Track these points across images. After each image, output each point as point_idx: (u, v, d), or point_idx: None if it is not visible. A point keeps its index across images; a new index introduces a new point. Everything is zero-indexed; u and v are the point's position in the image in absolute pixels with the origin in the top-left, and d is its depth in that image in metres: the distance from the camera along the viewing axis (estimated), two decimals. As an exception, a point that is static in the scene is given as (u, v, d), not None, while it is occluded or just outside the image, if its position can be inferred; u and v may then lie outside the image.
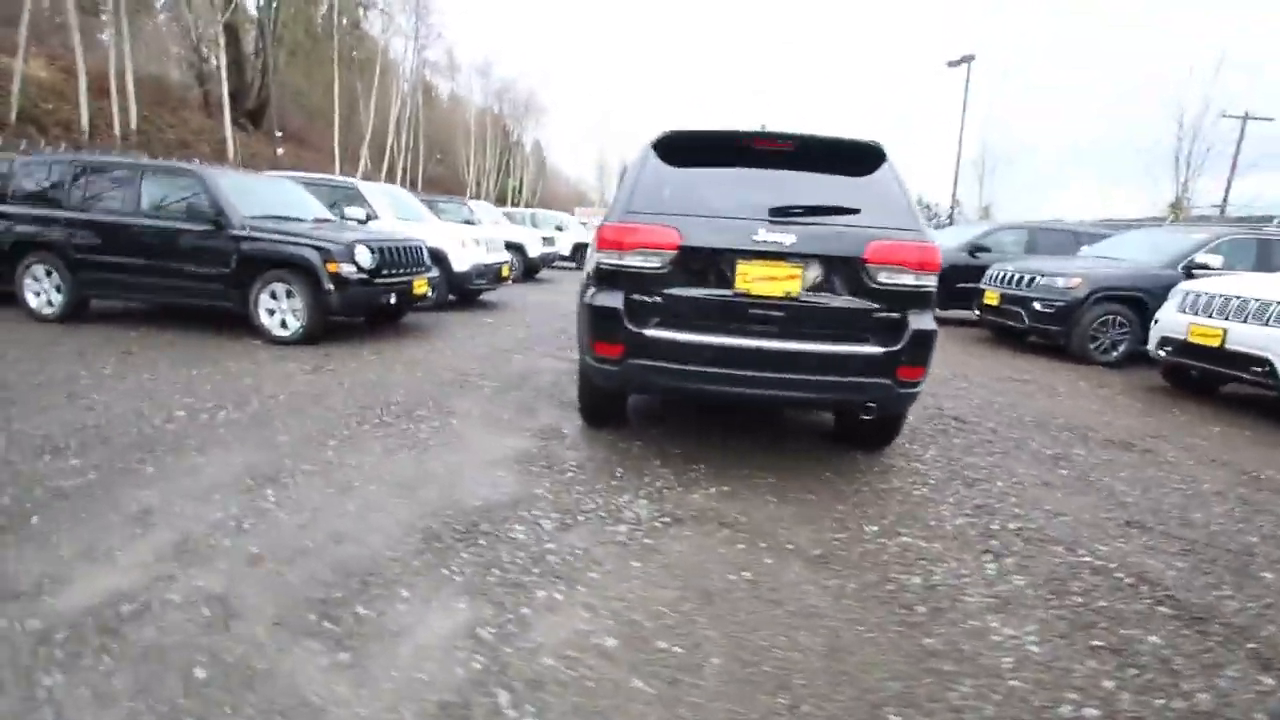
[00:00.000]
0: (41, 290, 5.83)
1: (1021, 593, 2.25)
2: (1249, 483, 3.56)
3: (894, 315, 2.80)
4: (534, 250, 12.62)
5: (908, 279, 2.78)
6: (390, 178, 36.23)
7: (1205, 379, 5.86)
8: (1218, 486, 3.47)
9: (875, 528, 2.69)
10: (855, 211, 2.80)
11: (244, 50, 32.73)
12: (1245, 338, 4.91)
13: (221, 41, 27.81)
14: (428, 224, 8.47)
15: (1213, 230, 7.70)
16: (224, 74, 28.01)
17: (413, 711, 1.51)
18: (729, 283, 2.79)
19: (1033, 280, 7.60)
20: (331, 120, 33.71)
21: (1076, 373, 6.66)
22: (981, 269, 8.67)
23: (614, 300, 2.88)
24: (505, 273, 8.91)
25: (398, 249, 6.07)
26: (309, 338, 5.45)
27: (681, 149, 3.08)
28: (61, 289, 5.77)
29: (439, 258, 7.61)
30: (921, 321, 2.83)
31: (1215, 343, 5.13)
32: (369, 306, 5.91)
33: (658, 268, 2.82)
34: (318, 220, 6.23)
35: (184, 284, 5.51)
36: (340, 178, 8.93)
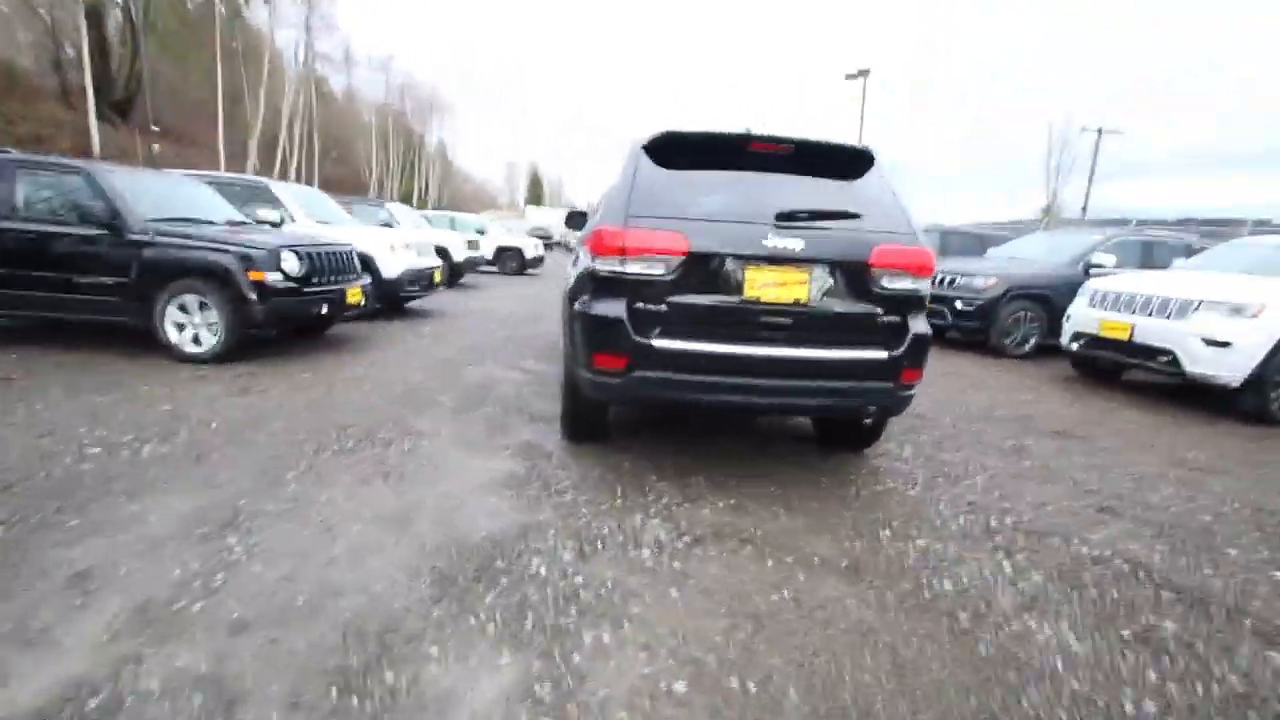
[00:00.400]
0: (-124, 307, 4.85)
1: (1043, 589, 2.31)
2: (1179, 464, 3.91)
3: (896, 319, 2.83)
4: (459, 254, 12.04)
5: (908, 283, 2.81)
6: (283, 177, 33.61)
7: (1110, 367, 6.48)
8: (1156, 469, 3.78)
9: (888, 532, 2.69)
10: (857, 216, 2.79)
11: (108, 36, 29.23)
12: (1151, 331, 5.44)
13: (83, 26, 24.65)
14: (351, 227, 7.84)
15: (1105, 232, 8.54)
16: (86, 61, 24.81)
17: (490, 798, 1.30)
18: (738, 289, 2.70)
19: (953, 281, 8.12)
20: (214, 115, 30.79)
21: (998, 366, 7.15)
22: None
23: (616, 309, 2.72)
24: (437, 278, 8.41)
25: (327, 255, 5.55)
26: (226, 354, 4.86)
27: (674, 150, 2.96)
28: (-95, 305, 4.82)
29: (366, 263, 7.06)
30: (920, 325, 2.87)
31: (1125, 336, 5.65)
32: (297, 318, 5.35)
33: (663, 275, 2.68)
34: (231, 223, 5.57)
35: (71, 297, 4.75)
36: (249, 177, 8.08)
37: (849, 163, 3.03)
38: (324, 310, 5.39)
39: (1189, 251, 7.82)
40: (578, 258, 3.51)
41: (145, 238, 4.71)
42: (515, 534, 2.43)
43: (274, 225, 6.66)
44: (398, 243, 7.62)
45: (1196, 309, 5.20)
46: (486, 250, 15.57)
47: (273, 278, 4.88)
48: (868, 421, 3.36)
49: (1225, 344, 4.99)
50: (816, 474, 3.33)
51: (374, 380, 4.64)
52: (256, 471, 2.86)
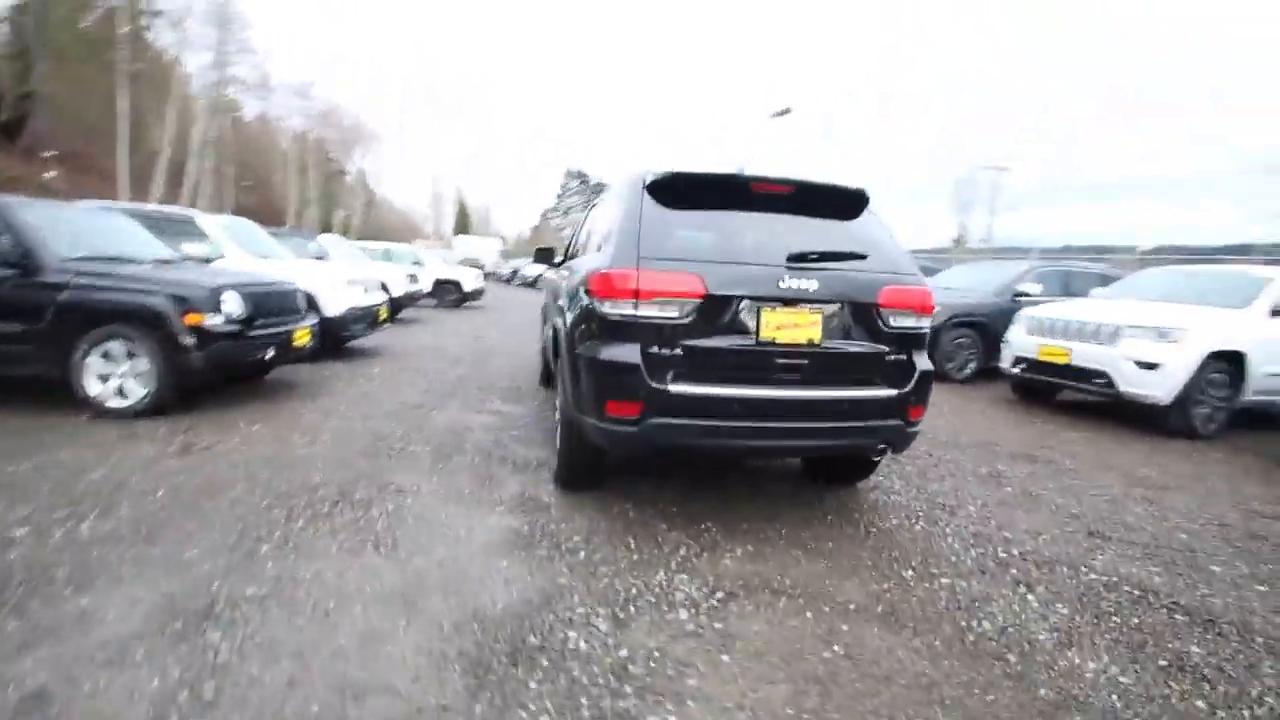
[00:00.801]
0: None
1: (1073, 622, 2.34)
2: (1138, 483, 4.16)
3: (903, 357, 2.86)
4: (398, 289, 11.53)
5: (913, 321, 2.85)
6: (191, 205, 31.45)
7: (1044, 389, 6.90)
8: (1120, 489, 4.00)
9: (910, 572, 2.67)
10: (864, 257, 2.82)
11: (-11, 53, 26.69)
12: (1088, 355, 5.85)
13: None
14: (290, 262, 7.35)
15: (1029, 263, 9.20)
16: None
17: None
18: (753, 331, 2.66)
19: (897, 309, 8.47)
20: (113, 139, 28.53)
21: (944, 390, 7.47)
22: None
23: (630, 354, 2.61)
24: (383, 316, 7.99)
25: (270, 294, 5.14)
26: (158, 407, 4.36)
27: (675, 191, 2.92)
28: None
29: (309, 301, 6.60)
30: (924, 362, 2.92)
31: (1064, 360, 6.04)
32: (240, 365, 4.90)
33: (678, 318, 2.60)
34: (159, 261, 5.07)
35: (-31, 347, 4.15)
36: (173, 208, 7.42)
37: (846, 203, 3.08)
38: (269, 355, 4.97)
39: (1103, 280, 8.52)
40: (564, 298, 3.38)
41: (62, 279, 4.19)
42: (538, 603, 2.23)
43: (203, 261, 6.15)
44: (341, 279, 7.19)
45: (1127, 334, 5.63)
46: (424, 283, 15.03)
47: (212, 321, 4.44)
48: (876, 459, 3.38)
49: (1155, 365, 5.42)
50: (819, 511, 3.30)
51: (334, 431, 4.28)
52: (224, 547, 2.52)
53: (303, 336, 5.37)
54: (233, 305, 4.61)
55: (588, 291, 2.81)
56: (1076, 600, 2.50)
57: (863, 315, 2.79)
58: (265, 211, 41.86)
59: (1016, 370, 6.69)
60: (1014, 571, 2.73)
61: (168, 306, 4.29)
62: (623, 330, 2.64)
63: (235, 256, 6.82)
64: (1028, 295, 8.22)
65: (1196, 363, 5.35)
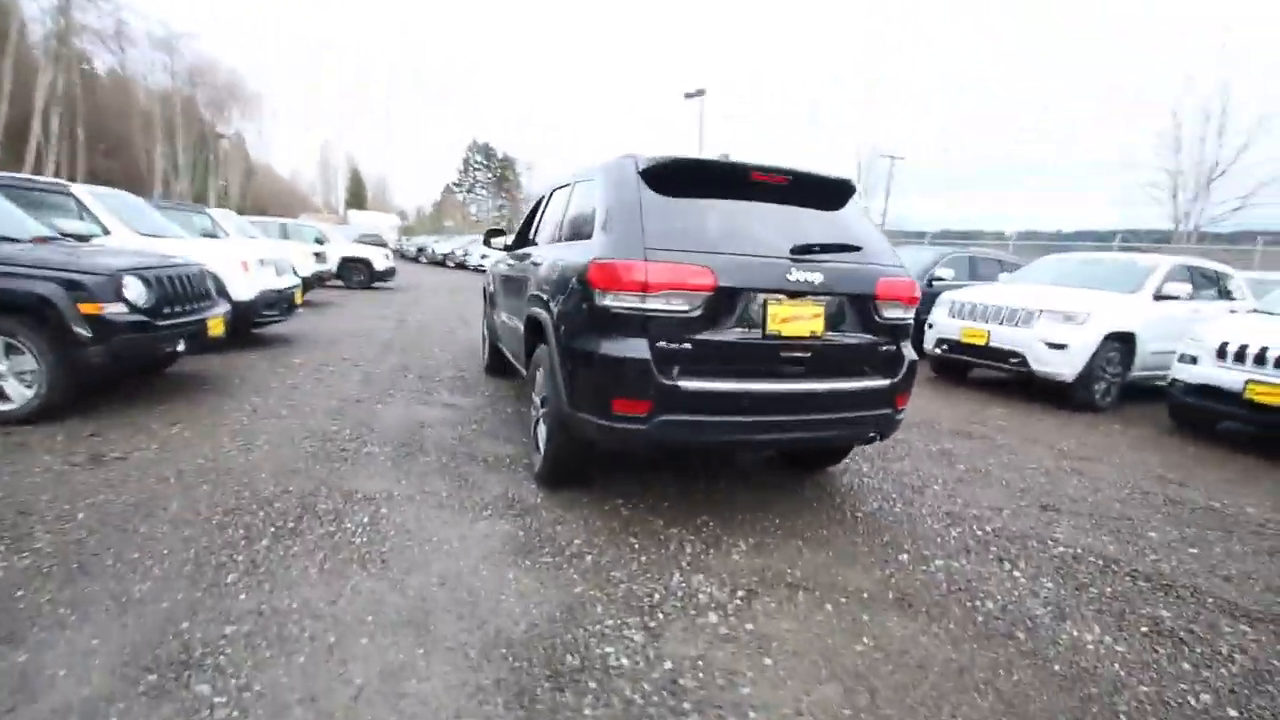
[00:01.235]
0: None
1: (1059, 595, 2.52)
2: (1064, 456, 4.56)
3: (894, 348, 2.93)
4: (305, 269, 10.60)
5: (902, 313, 2.93)
6: (37, 172, 27.35)
7: (960, 367, 7.44)
8: (1052, 462, 4.37)
9: (905, 556, 2.77)
10: (859, 249, 2.85)
11: None
12: (1004, 337, 6.34)
13: None
14: (188, 241, 6.51)
15: (939, 250, 9.82)
16: None
17: None
18: (761, 324, 2.61)
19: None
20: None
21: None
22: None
23: (638, 349, 2.49)
24: (298, 300, 7.30)
25: (177, 278, 4.52)
26: (48, 411, 3.74)
27: (673, 177, 2.80)
28: None
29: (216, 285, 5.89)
30: (910, 352, 3.01)
31: (983, 341, 6.52)
32: (147, 359, 4.30)
33: (687, 311, 2.51)
34: (38, 240, 4.32)
35: None
36: (44, 178, 6.33)
37: (834, 193, 3.09)
38: (180, 348, 4.38)
39: (1003, 266, 9.26)
40: (546, 287, 3.19)
41: (-87, 262, 3.47)
42: (563, 617, 2.10)
43: (80, 239, 5.31)
44: (252, 260, 6.48)
45: (1039, 317, 6.15)
46: (331, 262, 13.94)
47: (113, 310, 3.85)
48: (866, 446, 3.47)
49: (1063, 346, 5.96)
50: (803, 499, 3.35)
51: (271, 432, 3.85)
52: (179, 578, 2.18)
53: (216, 325, 4.79)
54: (136, 291, 4.01)
55: (584, 282, 2.66)
56: (1055, 573, 2.70)
57: (860, 307, 2.82)
58: (126, 180, 37.18)
59: (939, 351, 7.15)
60: (994, 549, 2.90)
61: (58, 294, 3.67)
62: (628, 324, 2.52)
63: (121, 235, 5.95)
64: (942, 280, 8.79)
65: (1096, 342, 5.93)
